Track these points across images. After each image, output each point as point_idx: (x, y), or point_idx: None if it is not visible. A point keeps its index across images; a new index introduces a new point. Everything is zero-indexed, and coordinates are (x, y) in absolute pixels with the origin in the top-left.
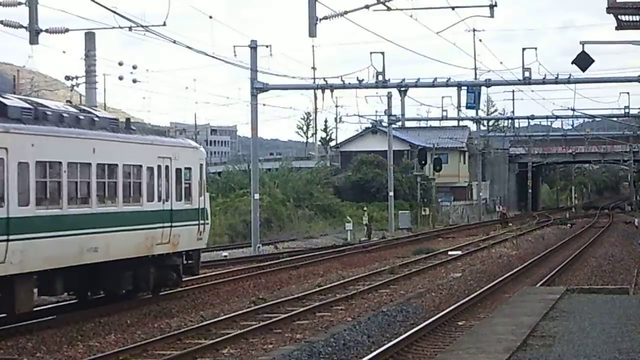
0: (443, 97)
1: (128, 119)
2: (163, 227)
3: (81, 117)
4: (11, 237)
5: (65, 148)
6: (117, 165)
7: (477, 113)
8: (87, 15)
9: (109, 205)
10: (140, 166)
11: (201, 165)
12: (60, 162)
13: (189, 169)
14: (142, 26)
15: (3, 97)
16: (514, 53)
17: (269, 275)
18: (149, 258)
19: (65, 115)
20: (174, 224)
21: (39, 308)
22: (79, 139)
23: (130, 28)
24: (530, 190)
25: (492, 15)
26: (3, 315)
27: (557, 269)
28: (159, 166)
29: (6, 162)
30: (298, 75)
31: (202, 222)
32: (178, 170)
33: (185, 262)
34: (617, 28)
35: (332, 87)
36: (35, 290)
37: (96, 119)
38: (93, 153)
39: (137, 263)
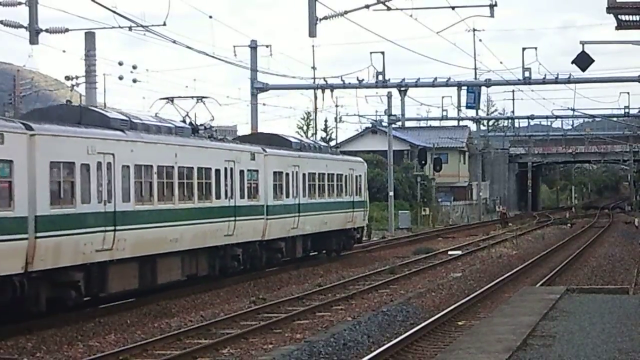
0: (443, 97)
1: (332, 147)
2: (350, 211)
3: (316, 145)
4: (300, 214)
5: (316, 165)
6: (333, 173)
7: (477, 113)
8: (87, 15)
9: (332, 197)
10: (342, 174)
11: (364, 173)
12: (315, 173)
13: (360, 175)
14: (142, 26)
15: (287, 136)
16: (514, 53)
17: (269, 275)
18: (342, 230)
19: (311, 145)
20: (354, 210)
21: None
22: (322, 159)
23: (130, 28)
24: (530, 190)
25: (492, 15)
26: (287, 258)
27: (557, 268)
28: (348, 174)
29: (299, 173)
30: (298, 75)
31: (365, 209)
32: (355, 177)
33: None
34: (617, 28)
35: (332, 87)
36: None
37: (322, 146)
38: (326, 167)
39: (338, 233)
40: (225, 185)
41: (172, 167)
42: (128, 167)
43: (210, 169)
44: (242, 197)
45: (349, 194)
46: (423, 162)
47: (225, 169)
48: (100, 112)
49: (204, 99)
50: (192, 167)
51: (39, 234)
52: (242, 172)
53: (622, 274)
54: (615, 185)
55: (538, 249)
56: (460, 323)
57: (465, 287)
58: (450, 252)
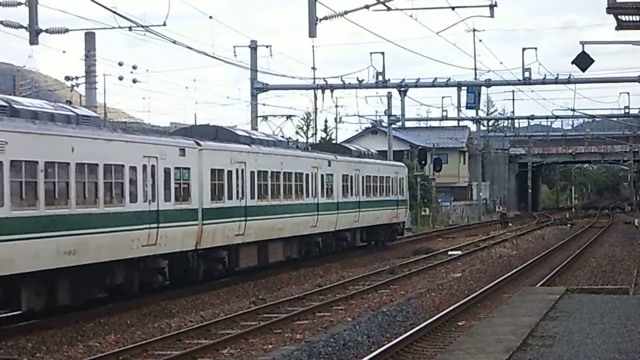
0: (443, 97)
1: (376, 152)
2: (395, 208)
3: (369, 152)
4: (360, 210)
5: (371, 169)
6: (384, 176)
7: (477, 113)
8: (87, 15)
9: (382, 196)
10: (390, 176)
11: (406, 175)
12: (370, 176)
13: (402, 178)
14: (142, 26)
15: (348, 145)
16: (514, 53)
17: (269, 275)
18: (389, 224)
19: (366, 152)
20: (398, 207)
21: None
22: (376, 164)
23: (130, 28)
24: (530, 191)
25: (492, 15)
26: (348, 248)
27: (557, 269)
28: (394, 177)
29: (359, 176)
30: (298, 76)
31: (406, 207)
32: (399, 179)
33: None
34: (617, 28)
35: (332, 87)
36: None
37: (373, 153)
38: (378, 171)
39: (385, 226)
40: (312, 186)
41: (279, 172)
42: (253, 172)
43: (302, 173)
44: (322, 196)
45: (395, 194)
46: (423, 162)
47: (311, 173)
48: (230, 130)
49: (292, 117)
50: (292, 172)
51: (204, 222)
52: (322, 175)
53: (622, 274)
54: (615, 185)
55: (538, 249)
56: (460, 323)
57: (465, 287)
58: (450, 253)
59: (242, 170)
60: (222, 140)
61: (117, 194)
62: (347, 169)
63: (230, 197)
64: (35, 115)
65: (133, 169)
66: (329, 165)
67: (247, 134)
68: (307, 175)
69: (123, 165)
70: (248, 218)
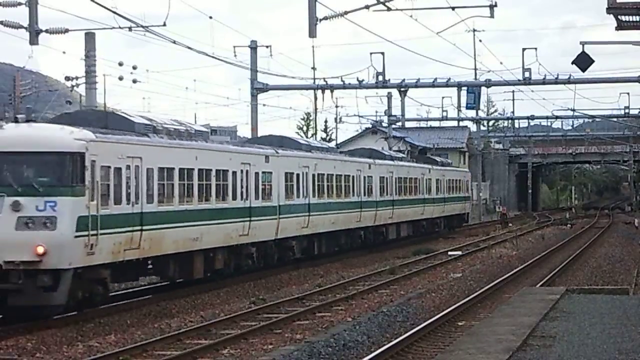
0: (443, 98)
1: (450, 162)
2: (463, 203)
3: (448, 162)
4: (445, 204)
5: (450, 174)
6: (457, 179)
7: (477, 113)
8: (87, 15)
9: (456, 194)
10: (460, 179)
11: (470, 178)
12: (450, 179)
13: (468, 180)
14: (142, 26)
15: (434, 157)
16: (514, 53)
17: (269, 275)
18: (459, 214)
19: (445, 162)
20: (465, 202)
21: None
22: (453, 171)
23: (130, 28)
24: (530, 191)
25: (492, 16)
26: (437, 230)
27: (557, 269)
28: (463, 179)
29: (445, 179)
30: (298, 76)
31: (470, 201)
32: (465, 181)
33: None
34: (617, 28)
35: (332, 88)
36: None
37: (449, 162)
38: (454, 175)
39: (456, 216)
40: (420, 186)
41: (406, 177)
42: (396, 178)
43: (416, 178)
44: (424, 193)
45: (463, 192)
46: None
47: (420, 178)
48: (379, 150)
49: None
50: (411, 177)
51: (378, 209)
52: (425, 179)
53: (622, 275)
54: (616, 185)
55: (538, 250)
56: (460, 323)
57: (465, 287)
58: (450, 253)
59: (391, 177)
60: (376, 158)
61: (368, 191)
62: (438, 175)
63: (387, 194)
64: (317, 148)
65: (357, 177)
66: (429, 172)
67: (387, 153)
68: (418, 179)
69: (353, 176)
70: (394, 207)
